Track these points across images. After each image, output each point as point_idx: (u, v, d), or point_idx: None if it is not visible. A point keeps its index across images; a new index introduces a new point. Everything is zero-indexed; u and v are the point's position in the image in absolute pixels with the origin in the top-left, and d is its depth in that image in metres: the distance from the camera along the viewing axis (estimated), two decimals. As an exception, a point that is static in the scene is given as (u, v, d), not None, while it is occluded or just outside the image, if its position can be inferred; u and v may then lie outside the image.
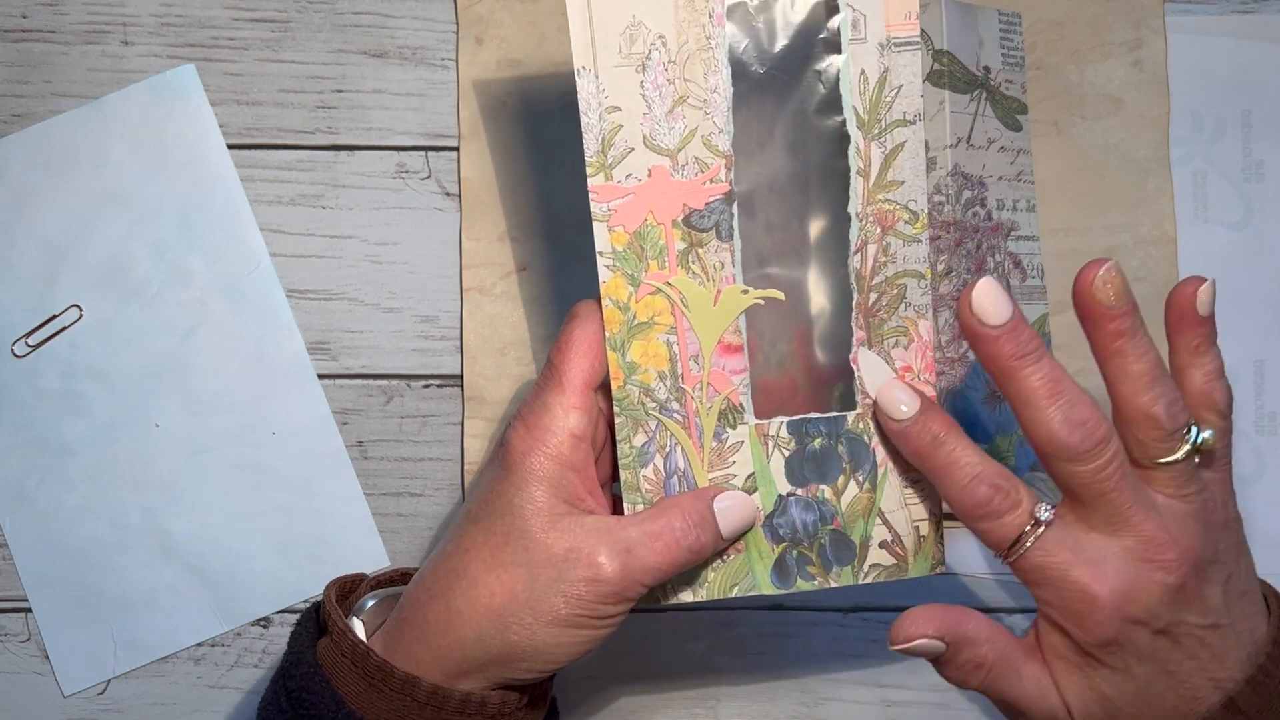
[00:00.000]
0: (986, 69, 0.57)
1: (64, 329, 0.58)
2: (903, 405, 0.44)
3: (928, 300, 0.45)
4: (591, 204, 0.43)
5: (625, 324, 0.45)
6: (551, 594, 0.42)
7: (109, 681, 0.57)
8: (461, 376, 0.58)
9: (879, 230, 0.45)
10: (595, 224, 0.43)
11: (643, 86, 0.43)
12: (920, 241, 0.45)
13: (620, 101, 0.43)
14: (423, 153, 0.59)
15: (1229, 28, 0.60)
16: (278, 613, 0.58)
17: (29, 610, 0.57)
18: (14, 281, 0.58)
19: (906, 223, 0.45)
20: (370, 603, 0.47)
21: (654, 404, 0.45)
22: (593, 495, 0.45)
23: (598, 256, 0.44)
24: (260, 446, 0.58)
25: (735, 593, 0.46)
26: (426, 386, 0.59)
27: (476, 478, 0.46)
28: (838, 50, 0.44)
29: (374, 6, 0.60)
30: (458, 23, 0.59)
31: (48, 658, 0.57)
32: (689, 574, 0.46)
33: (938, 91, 0.54)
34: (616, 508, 0.46)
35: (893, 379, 0.45)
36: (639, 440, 0.45)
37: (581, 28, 0.43)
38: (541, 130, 0.59)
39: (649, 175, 0.44)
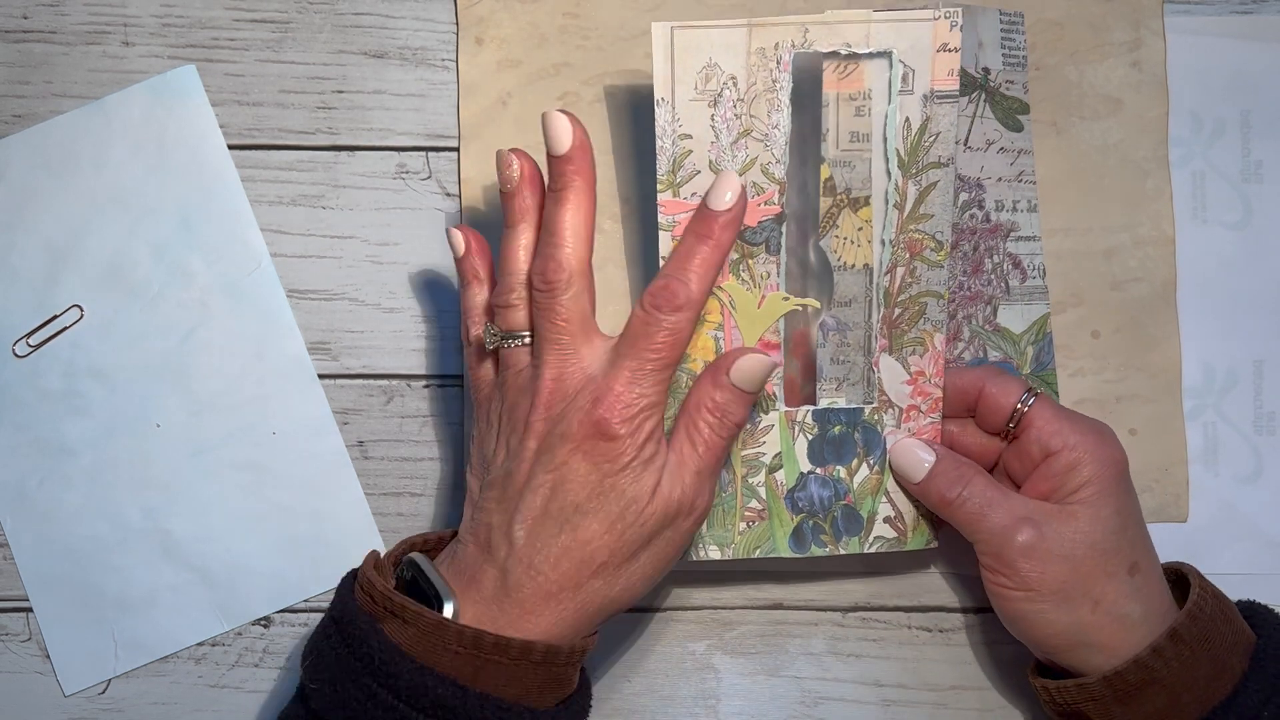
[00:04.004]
0: (986, 70, 0.57)
1: (65, 329, 0.58)
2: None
3: (944, 316, 0.52)
4: (659, 215, 0.49)
5: None
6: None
7: (109, 681, 0.57)
8: (462, 376, 0.58)
9: (908, 255, 0.51)
10: (661, 233, 0.49)
11: (713, 119, 0.49)
12: (942, 267, 0.51)
13: (692, 130, 0.49)
14: (423, 153, 0.59)
15: (1228, 28, 0.60)
16: (278, 612, 0.58)
17: (29, 610, 0.57)
18: (15, 281, 0.58)
19: (932, 250, 0.51)
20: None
21: None
22: None
23: (660, 261, 0.49)
24: (260, 446, 0.58)
25: (758, 554, 0.52)
26: (426, 386, 0.59)
27: None
28: (886, 99, 0.50)
29: (374, 7, 0.60)
30: (458, 23, 0.59)
31: (48, 657, 0.57)
32: (719, 535, 0.52)
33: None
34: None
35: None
36: None
37: (663, 65, 0.48)
38: (541, 130, 0.59)
39: None
